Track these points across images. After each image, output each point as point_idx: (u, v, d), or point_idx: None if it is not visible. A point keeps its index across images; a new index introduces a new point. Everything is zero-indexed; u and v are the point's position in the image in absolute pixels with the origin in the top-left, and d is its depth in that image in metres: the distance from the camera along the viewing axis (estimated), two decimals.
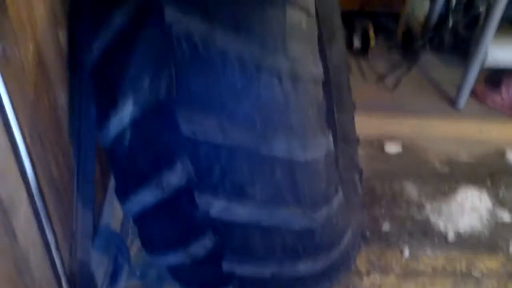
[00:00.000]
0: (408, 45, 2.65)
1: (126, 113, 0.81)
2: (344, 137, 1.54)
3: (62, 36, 0.87)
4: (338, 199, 0.91)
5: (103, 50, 0.81)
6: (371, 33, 2.61)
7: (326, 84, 1.49)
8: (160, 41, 0.76)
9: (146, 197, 0.86)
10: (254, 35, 0.76)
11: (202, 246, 0.85)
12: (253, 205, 0.80)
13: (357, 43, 2.66)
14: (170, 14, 0.74)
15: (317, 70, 0.84)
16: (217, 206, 0.80)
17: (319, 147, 0.83)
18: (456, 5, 2.31)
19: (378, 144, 2.06)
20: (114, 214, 1.28)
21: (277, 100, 0.78)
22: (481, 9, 2.16)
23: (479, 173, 1.91)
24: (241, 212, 0.80)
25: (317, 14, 1.40)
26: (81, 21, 0.89)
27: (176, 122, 0.77)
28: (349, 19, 2.82)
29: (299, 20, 0.81)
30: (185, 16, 0.74)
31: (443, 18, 2.43)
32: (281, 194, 0.81)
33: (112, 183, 1.27)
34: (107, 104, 0.83)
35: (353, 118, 1.63)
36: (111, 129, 0.84)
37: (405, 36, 2.77)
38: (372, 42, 2.62)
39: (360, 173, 1.55)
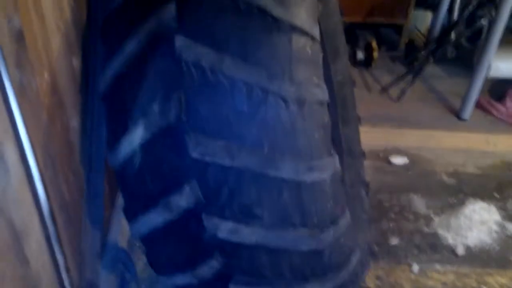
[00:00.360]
0: (411, 56, 2.67)
1: (136, 136, 0.82)
2: (349, 151, 1.55)
3: (76, 62, 0.89)
4: (345, 219, 0.91)
5: (115, 75, 0.83)
6: (374, 45, 2.63)
7: (331, 99, 1.51)
8: (170, 67, 0.77)
9: (154, 219, 0.86)
10: (261, 61, 0.77)
11: (209, 267, 0.86)
12: (261, 227, 0.81)
13: (360, 55, 2.68)
14: (180, 41, 0.76)
15: (322, 92, 0.85)
16: (224, 228, 0.81)
17: (325, 168, 0.84)
18: (458, 18, 2.32)
19: (384, 156, 2.07)
20: (122, 230, 1.29)
21: (284, 123, 0.79)
22: (483, 22, 2.17)
23: (486, 185, 1.91)
24: (249, 233, 0.81)
25: (320, 30, 1.42)
26: (95, 48, 0.91)
27: (185, 145, 0.78)
28: (352, 31, 2.85)
29: (304, 45, 0.82)
30: (195, 44, 0.76)
31: (446, 30, 2.44)
32: (288, 216, 0.81)
33: (120, 199, 1.28)
34: (118, 128, 0.84)
35: (358, 132, 1.63)
36: (121, 152, 0.85)
37: (408, 48, 2.79)
38: (376, 54, 2.63)
39: (367, 187, 1.55)
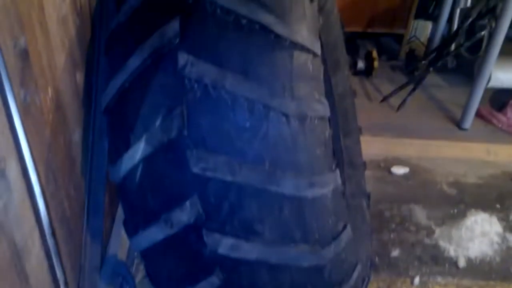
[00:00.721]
0: (412, 66, 2.68)
1: (138, 151, 0.82)
2: (350, 162, 1.55)
3: (80, 77, 0.90)
4: (346, 234, 0.91)
5: (119, 90, 0.84)
6: (375, 54, 2.64)
7: (332, 110, 1.51)
8: (173, 82, 0.78)
9: (154, 233, 0.86)
10: (262, 77, 0.78)
11: (210, 284, 0.86)
12: (262, 243, 0.80)
13: (361, 64, 2.69)
14: (183, 57, 0.77)
15: (323, 108, 0.85)
16: (225, 244, 0.81)
17: (326, 184, 0.84)
18: (458, 29, 2.33)
19: (385, 166, 2.07)
20: (121, 242, 1.29)
21: (285, 139, 0.79)
22: (483, 33, 2.18)
23: (487, 195, 1.91)
24: (250, 250, 0.81)
25: (321, 43, 1.43)
26: (99, 63, 0.91)
27: (186, 160, 0.79)
28: (353, 41, 2.86)
29: (305, 61, 0.83)
30: (197, 60, 0.76)
31: (446, 41, 2.45)
32: (289, 232, 0.81)
33: (120, 211, 1.28)
34: (120, 142, 0.85)
35: (359, 142, 1.63)
36: (123, 166, 0.85)
37: (408, 57, 2.80)
38: (376, 63, 2.64)
39: (368, 198, 1.55)
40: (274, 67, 0.80)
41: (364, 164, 1.60)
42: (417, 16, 2.81)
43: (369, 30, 2.84)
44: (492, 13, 2.23)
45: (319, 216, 0.84)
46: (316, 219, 0.83)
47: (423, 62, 2.57)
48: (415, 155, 2.12)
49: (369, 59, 2.66)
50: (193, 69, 0.77)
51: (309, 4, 0.92)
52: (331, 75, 1.52)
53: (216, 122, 0.78)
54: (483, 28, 2.21)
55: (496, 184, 1.99)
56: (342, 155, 1.50)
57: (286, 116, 0.79)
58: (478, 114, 2.30)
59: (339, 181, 0.90)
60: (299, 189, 0.80)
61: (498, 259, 1.58)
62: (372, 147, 2.02)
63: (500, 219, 1.75)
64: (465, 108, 2.24)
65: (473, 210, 1.79)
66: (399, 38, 2.90)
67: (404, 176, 2.01)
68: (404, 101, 2.35)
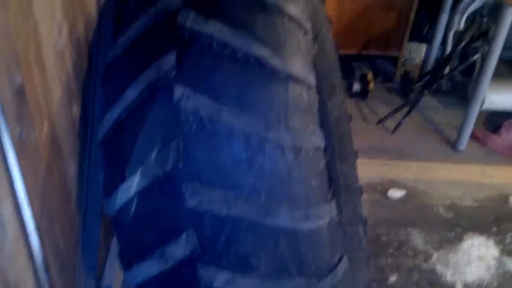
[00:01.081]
0: (407, 88, 2.70)
1: (133, 184, 0.82)
2: (347, 188, 1.54)
3: (76, 109, 0.90)
4: (343, 265, 0.91)
5: (114, 122, 0.84)
6: (370, 77, 2.66)
7: (328, 136, 1.52)
8: (169, 115, 0.78)
9: (149, 268, 0.85)
10: (258, 110, 0.78)
11: None
12: (257, 277, 0.80)
13: (356, 86, 2.71)
14: (179, 90, 0.77)
15: (318, 139, 0.86)
16: (221, 278, 0.80)
17: (322, 215, 0.84)
18: (451, 52, 2.36)
19: (381, 189, 2.07)
20: (115, 274, 1.27)
21: (281, 171, 0.79)
22: (476, 57, 2.21)
23: (484, 218, 1.91)
24: (245, 284, 0.80)
25: (316, 69, 1.44)
26: (95, 95, 0.91)
27: (181, 193, 0.78)
28: (348, 63, 2.89)
29: (300, 92, 0.84)
30: (193, 93, 0.77)
31: (440, 64, 2.47)
32: (285, 265, 0.81)
33: (114, 242, 1.27)
34: (115, 175, 0.84)
35: (355, 167, 1.64)
36: (118, 199, 0.85)
37: (403, 79, 2.82)
38: (371, 85, 2.66)
39: (365, 224, 1.54)
40: (270, 99, 0.80)
41: (361, 189, 1.60)
42: (411, 39, 2.85)
43: (364, 53, 2.88)
44: (485, 36, 2.27)
45: (315, 248, 0.83)
46: (312, 252, 0.83)
47: (418, 84, 2.59)
48: (411, 177, 2.13)
49: (364, 82, 2.69)
50: (189, 102, 0.77)
51: (303, 36, 0.94)
52: (327, 100, 1.53)
53: (212, 155, 0.78)
54: (476, 51, 2.24)
55: (492, 206, 1.99)
56: (339, 180, 1.50)
57: (282, 148, 0.80)
58: (473, 136, 2.32)
59: (335, 212, 0.90)
60: (294, 221, 0.80)
61: (495, 283, 1.57)
62: (368, 169, 2.03)
63: (497, 243, 1.74)
64: (460, 130, 2.26)
65: (470, 233, 1.79)
66: (394, 60, 2.93)
67: (401, 200, 2.01)
68: (399, 123, 2.37)
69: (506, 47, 2.07)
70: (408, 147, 2.29)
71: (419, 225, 1.84)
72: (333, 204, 0.89)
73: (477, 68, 2.25)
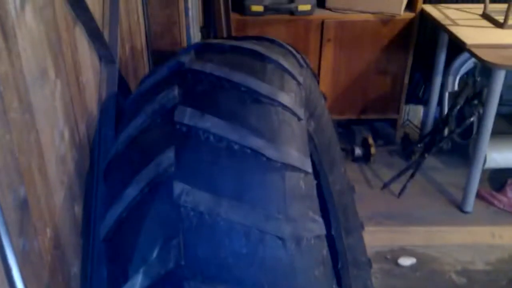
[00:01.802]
0: (408, 150, 2.72)
1: (136, 283, 0.82)
2: (355, 261, 1.52)
3: (78, 209, 0.91)
4: None
5: (116, 220, 0.85)
6: (371, 141, 2.70)
7: (332, 210, 1.52)
8: (169, 212, 0.79)
9: None
10: (256, 201, 0.80)
11: None
12: None
13: (358, 151, 2.74)
14: (178, 186, 0.79)
15: (319, 227, 0.86)
16: None
17: None
18: (447, 115, 2.41)
19: (391, 257, 2.03)
20: None
21: (283, 262, 0.79)
22: (472, 119, 2.25)
23: (497, 282, 1.85)
24: None
25: (315, 145, 1.47)
26: (96, 193, 0.94)
27: None
28: (348, 127, 2.94)
29: (297, 180, 0.86)
30: (192, 189, 0.78)
31: (438, 125, 2.52)
32: None
33: None
34: (118, 273, 0.84)
35: (362, 239, 1.62)
36: None
37: (404, 141, 2.86)
38: (373, 149, 2.69)
39: None
40: (267, 190, 0.82)
41: (370, 262, 1.57)
42: (408, 101, 2.92)
43: (363, 117, 2.93)
44: (479, 97, 2.32)
45: None
46: None
47: (419, 145, 2.62)
48: (420, 243, 2.10)
49: (366, 146, 2.72)
50: (188, 198, 0.79)
51: (297, 122, 0.97)
52: (328, 173, 1.54)
53: (213, 250, 0.78)
54: (472, 113, 2.28)
55: (504, 269, 1.95)
56: (346, 255, 1.48)
57: (282, 238, 0.80)
58: (479, 196, 2.31)
59: None
60: None
61: None
62: (376, 238, 2.01)
63: None
64: (465, 191, 2.25)
65: None
66: (393, 123, 2.98)
67: (412, 268, 1.96)
68: (404, 187, 2.37)
69: (501, 103, 2.12)
70: (415, 211, 2.27)
71: None
72: None
73: (474, 129, 2.29)
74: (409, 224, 2.17)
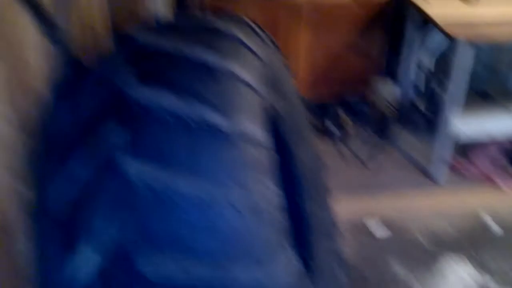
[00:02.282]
0: (383, 127, 2.77)
1: (88, 258, 0.81)
2: (322, 231, 1.55)
3: (26, 189, 0.89)
4: None
5: (68, 200, 0.84)
6: (347, 119, 2.74)
7: (300, 183, 1.54)
8: (123, 191, 0.79)
9: None
10: (209, 174, 0.81)
11: None
12: None
13: (334, 129, 2.77)
14: (132, 164, 0.79)
15: (275, 196, 0.88)
16: None
17: (284, 273, 0.85)
18: (421, 92, 2.46)
19: (362, 226, 2.07)
20: None
21: (237, 230, 0.81)
22: (437, 91, 2.30)
23: (464, 245, 1.93)
24: None
25: (283, 121, 1.47)
26: (45, 173, 0.92)
27: (137, 264, 0.78)
28: (325, 108, 2.96)
29: (253, 151, 0.86)
30: (147, 167, 0.79)
31: (412, 102, 2.57)
32: None
33: None
34: (70, 252, 0.84)
35: (331, 211, 1.65)
36: (72, 275, 0.83)
37: (379, 119, 2.89)
38: (349, 127, 2.73)
39: (345, 266, 1.54)
40: (221, 161, 0.82)
41: (339, 231, 1.61)
42: (383, 80, 2.94)
43: (340, 98, 2.95)
44: (444, 73, 2.37)
45: None
46: None
47: (393, 121, 2.68)
48: (392, 212, 2.15)
49: (342, 125, 2.76)
50: (143, 176, 0.79)
51: (255, 96, 0.98)
52: (296, 148, 1.56)
53: (167, 224, 0.78)
54: (440, 87, 2.33)
55: (471, 233, 2.03)
56: (313, 225, 1.50)
57: (234, 206, 0.81)
58: (451, 167, 2.37)
59: (299, 267, 0.90)
60: (256, 280, 0.81)
61: None
62: (348, 208, 2.06)
63: (477, 268, 1.77)
64: (436, 163, 2.31)
65: (452, 262, 1.81)
66: (369, 101, 3.00)
67: (384, 236, 2.02)
68: (374, 157, 2.42)
69: (475, 79, 2.16)
70: (389, 183, 2.33)
71: (402, 258, 1.85)
72: (293, 258, 0.90)
73: (441, 102, 2.34)
74: (380, 193, 2.22)
